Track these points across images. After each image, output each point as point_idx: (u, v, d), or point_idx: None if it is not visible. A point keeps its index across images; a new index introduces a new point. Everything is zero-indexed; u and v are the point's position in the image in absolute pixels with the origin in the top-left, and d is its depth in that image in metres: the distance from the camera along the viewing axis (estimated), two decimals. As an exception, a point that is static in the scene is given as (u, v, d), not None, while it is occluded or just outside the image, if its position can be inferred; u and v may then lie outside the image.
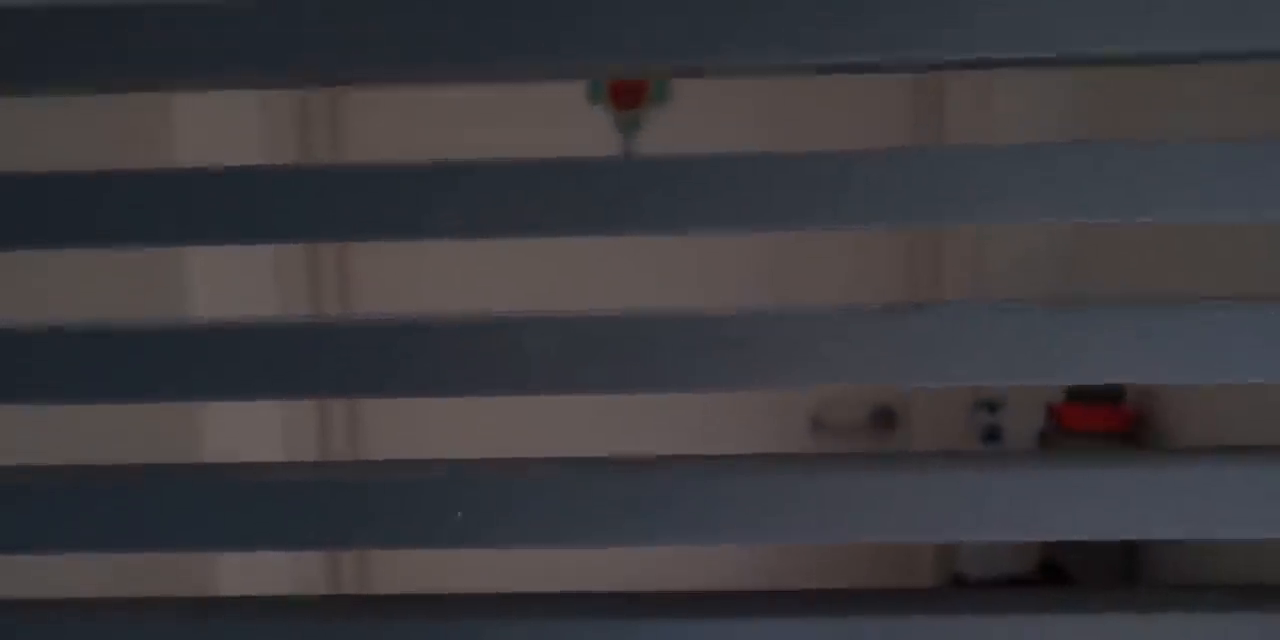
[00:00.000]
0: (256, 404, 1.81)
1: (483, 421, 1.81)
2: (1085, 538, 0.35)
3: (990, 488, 0.35)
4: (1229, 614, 0.36)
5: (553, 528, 0.36)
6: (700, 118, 1.69)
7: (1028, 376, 0.35)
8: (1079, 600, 0.37)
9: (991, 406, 1.59)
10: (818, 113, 1.68)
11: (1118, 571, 1.25)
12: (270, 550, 0.36)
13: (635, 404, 1.80)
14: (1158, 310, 0.34)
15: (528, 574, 1.87)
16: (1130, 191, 0.33)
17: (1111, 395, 1.26)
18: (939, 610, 0.36)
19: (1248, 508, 0.35)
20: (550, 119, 1.71)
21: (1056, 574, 1.33)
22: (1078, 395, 1.29)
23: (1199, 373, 0.34)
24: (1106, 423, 1.25)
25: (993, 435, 1.59)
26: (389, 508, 0.36)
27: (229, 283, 1.69)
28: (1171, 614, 0.36)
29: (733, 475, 0.36)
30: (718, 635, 0.36)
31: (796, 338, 0.35)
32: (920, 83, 1.63)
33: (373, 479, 0.36)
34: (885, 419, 1.69)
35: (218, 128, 1.63)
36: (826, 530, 0.36)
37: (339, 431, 1.85)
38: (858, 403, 1.69)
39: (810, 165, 0.33)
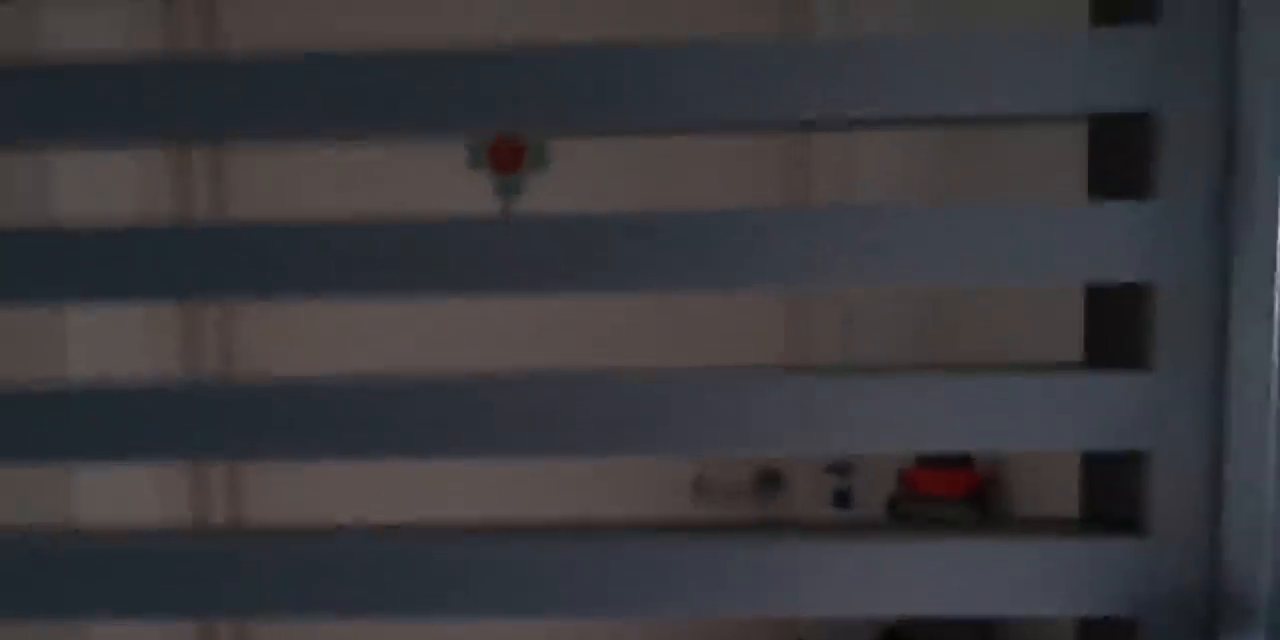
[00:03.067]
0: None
1: (364, 481, 1.71)
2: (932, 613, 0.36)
3: (837, 561, 0.36)
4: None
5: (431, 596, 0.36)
6: (577, 183, 1.69)
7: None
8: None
9: (840, 471, 1.60)
10: (690, 174, 1.70)
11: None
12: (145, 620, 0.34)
13: (520, 470, 1.74)
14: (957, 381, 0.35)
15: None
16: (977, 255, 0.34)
17: (960, 460, 1.28)
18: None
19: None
20: (432, 183, 1.70)
21: (906, 641, 1.32)
22: (927, 460, 1.31)
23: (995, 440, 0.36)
24: (953, 488, 1.27)
25: (842, 499, 1.60)
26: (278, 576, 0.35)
27: (107, 341, 1.59)
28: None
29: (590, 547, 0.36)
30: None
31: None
32: (789, 143, 1.68)
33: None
34: (770, 481, 1.66)
35: (95, 177, 1.54)
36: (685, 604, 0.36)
37: (218, 490, 1.72)
38: (743, 464, 1.66)
39: (678, 225, 0.33)
